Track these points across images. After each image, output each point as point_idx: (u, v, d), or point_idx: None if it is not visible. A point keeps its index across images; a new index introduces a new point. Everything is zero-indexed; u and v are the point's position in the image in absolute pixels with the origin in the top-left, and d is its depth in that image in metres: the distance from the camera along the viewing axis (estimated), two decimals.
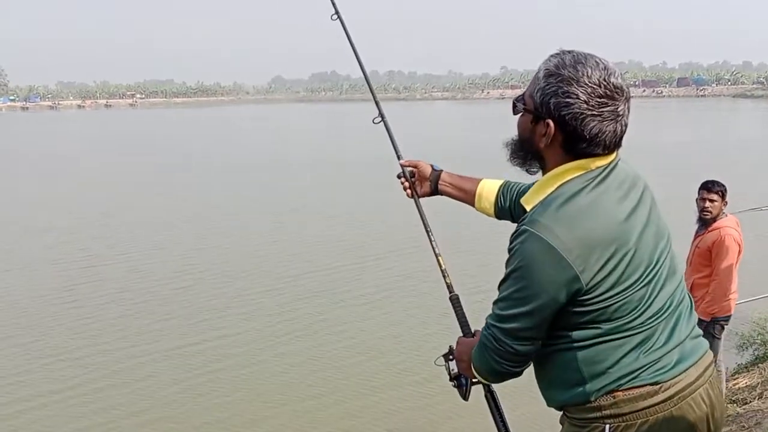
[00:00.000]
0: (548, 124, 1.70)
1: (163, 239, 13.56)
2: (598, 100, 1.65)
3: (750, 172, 20.47)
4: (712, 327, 4.72)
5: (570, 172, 1.72)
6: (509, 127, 1.88)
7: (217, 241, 13.19)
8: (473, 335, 2.06)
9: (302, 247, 12.65)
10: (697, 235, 4.80)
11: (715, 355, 4.77)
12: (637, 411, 1.69)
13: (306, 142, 41.15)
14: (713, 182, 4.70)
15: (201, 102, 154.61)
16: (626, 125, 1.73)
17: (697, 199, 4.77)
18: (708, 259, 4.65)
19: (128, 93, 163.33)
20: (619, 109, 1.68)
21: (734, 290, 4.74)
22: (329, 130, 55.15)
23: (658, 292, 1.72)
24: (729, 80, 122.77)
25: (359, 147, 29.94)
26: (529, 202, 1.78)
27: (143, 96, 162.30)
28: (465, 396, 2.06)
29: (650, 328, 1.70)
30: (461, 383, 2.06)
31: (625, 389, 1.69)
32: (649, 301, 1.70)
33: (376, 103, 2.65)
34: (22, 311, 9.13)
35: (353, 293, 9.68)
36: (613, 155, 1.74)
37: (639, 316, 1.68)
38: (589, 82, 1.65)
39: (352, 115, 69.08)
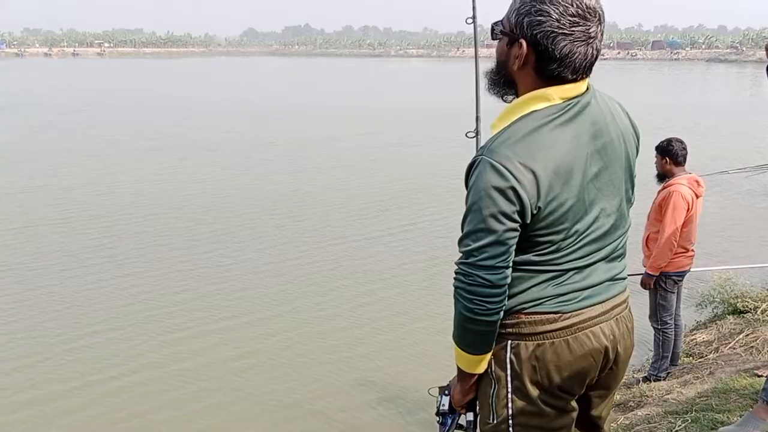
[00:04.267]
0: (521, 45, 1.74)
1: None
2: (570, 19, 1.68)
3: (723, 136, 20.77)
4: (662, 281, 4.92)
5: (535, 100, 1.76)
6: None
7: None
8: None
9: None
10: (657, 192, 5.00)
11: (665, 307, 4.99)
12: (536, 333, 1.83)
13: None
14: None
15: (171, 53, 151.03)
16: (598, 51, 1.76)
17: None
18: (660, 214, 4.82)
19: (96, 42, 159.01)
20: (590, 31, 1.71)
21: (689, 247, 4.90)
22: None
23: (588, 242, 1.83)
24: (703, 44, 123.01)
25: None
26: (494, 127, 1.83)
27: (111, 45, 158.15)
28: None
29: (565, 268, 1.81)
30: (445, 422, 2.09)
31: (528, 313, 1.83)
32: (574, 247, 1.80)
33: (477, 118, 2.62)
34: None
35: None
36: (583, 86, 1.78)
37: (560, 257, 1.80)
38: (562, 1, 1.68)
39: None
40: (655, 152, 4.89)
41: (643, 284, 4.96)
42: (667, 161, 4.85)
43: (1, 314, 7.33)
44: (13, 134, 21.73)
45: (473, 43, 2.81)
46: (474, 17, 2.57)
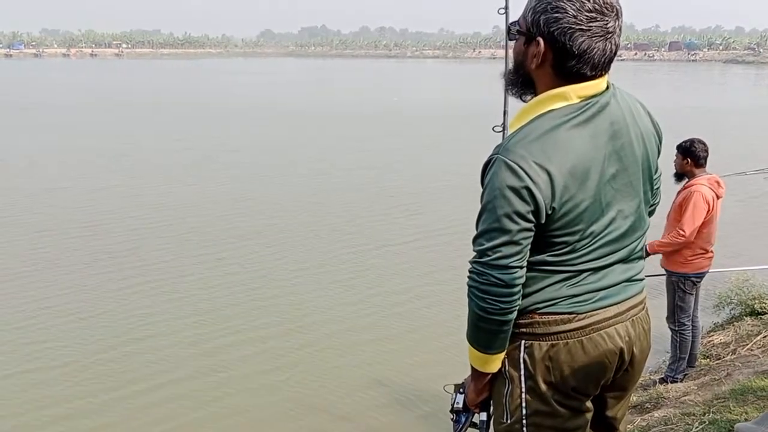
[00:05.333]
0: (539, 43, 1.72)
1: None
2: (587, 14, 1.67)
3: (741, 136, 20.61)
4: (681, 282, 4.89)
5: (552, 99, 1.74)
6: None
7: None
8: None
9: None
10: (677, 192, 4.97)
11: (683, 309, 4.96)
12: (550, 334, 1.82)
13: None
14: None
15: (189, 54, 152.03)
16: (617, 46, 1.74)
17: None
18: (680, 215, 4.78)
19: (114, 42, 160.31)
20: (608, 26, 1.70)
21: (708, 248, 4.87)
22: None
23: (604, 244, 1.81)
24: (720, 45, 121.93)
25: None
26: (512, 126, 1.83)
27: (129, 46, 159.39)
28: None
29: (580, 269, 1.80)
30: (459, 419, 2.08)
31: (542, 313, 1.82)
32: (589, 248, 1.79)
33: (504, 113, 2.60)
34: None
35: None
36: (603, 83, 1.76)
37: (575, 257, 1.79)
38: None
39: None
40: (676, 151, 4.84)
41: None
42: (688, 162, 4.81)
43: (30, 318, 7.30)
44: (35, 133, 22.00)
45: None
46: (506, 8, 2.56)
